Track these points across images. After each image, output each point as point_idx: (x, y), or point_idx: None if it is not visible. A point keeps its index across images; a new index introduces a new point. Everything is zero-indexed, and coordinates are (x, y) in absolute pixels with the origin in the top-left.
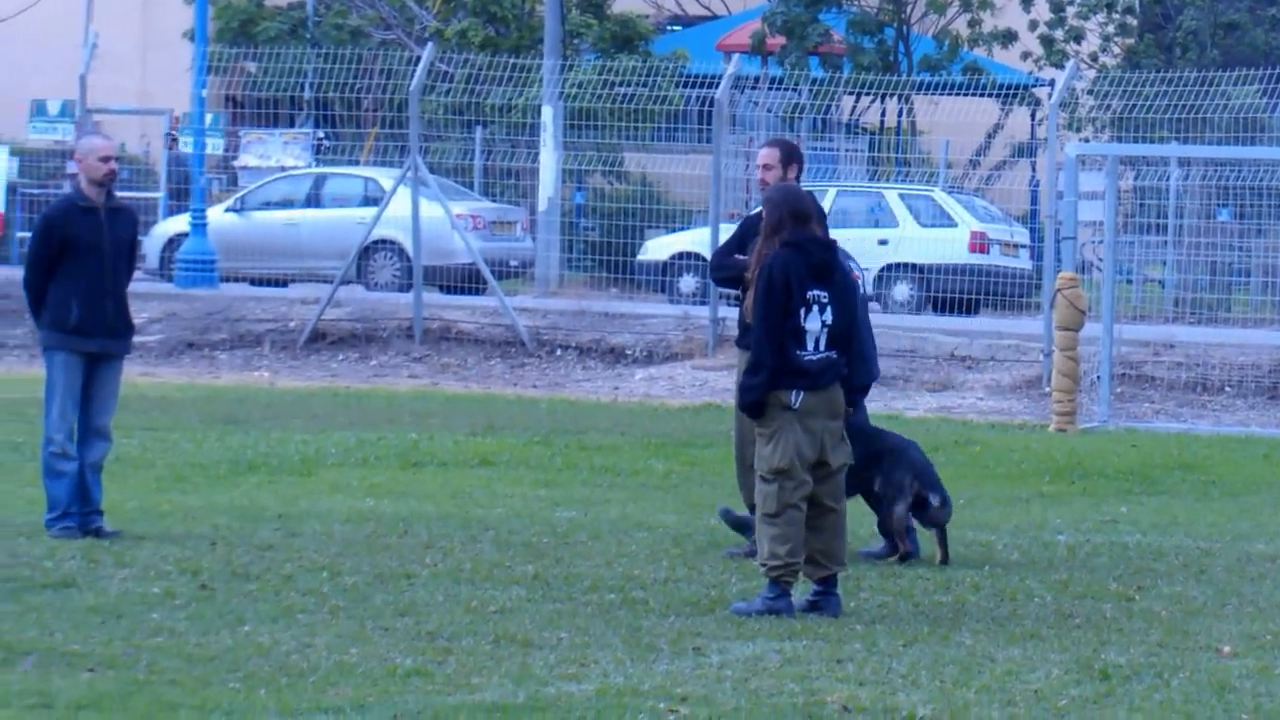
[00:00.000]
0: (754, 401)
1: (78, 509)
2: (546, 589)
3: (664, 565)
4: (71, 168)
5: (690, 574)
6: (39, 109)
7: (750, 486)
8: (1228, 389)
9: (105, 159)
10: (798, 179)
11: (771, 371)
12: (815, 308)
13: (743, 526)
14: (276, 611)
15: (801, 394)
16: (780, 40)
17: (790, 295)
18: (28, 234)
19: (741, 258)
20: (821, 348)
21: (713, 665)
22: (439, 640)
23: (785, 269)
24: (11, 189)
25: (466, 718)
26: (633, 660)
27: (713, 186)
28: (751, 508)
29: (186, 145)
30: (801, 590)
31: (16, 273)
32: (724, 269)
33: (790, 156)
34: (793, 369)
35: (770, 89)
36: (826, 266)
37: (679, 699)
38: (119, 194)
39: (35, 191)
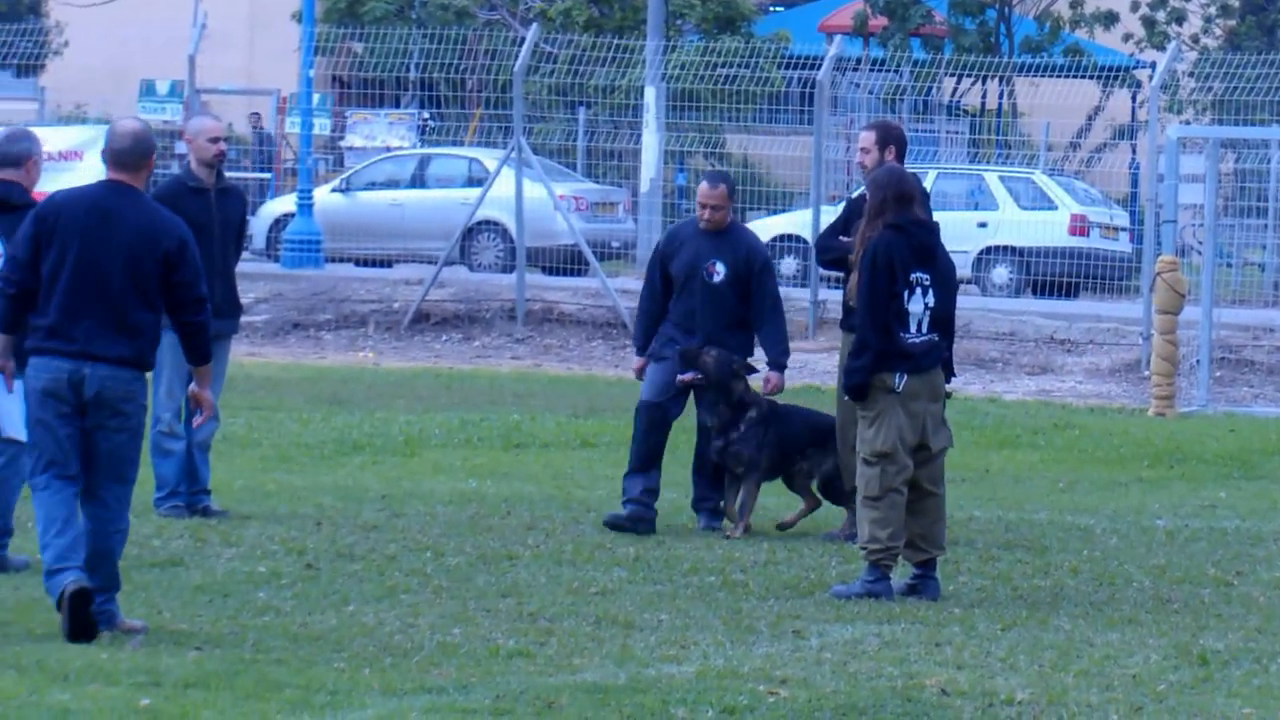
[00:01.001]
0: (859, 384)
1: (185, 488)
2: (647, 571)
3: (764, 548)
4: (180, 148)
5: (790, 557)
6: (148, 89)
7: (851, 469)
8: None
9: (214, 140)
10: (897, 161)
11: (876, 354)
12: (918, 290)
13: (621, 526)
14: (381, 591)
15: (905, 377)
16: (882, 21)
17: (894, 278)
18: None
19: (846, 240)
20: (924, 330)
21: (812, 648)
22: (541, 621)
23: (889, 251)
24: None
25: (569, 698)
26: (732, 642)
27: (814, 168)
28: (851, 490)
29: (294, 125)
30: (900, 573)
31: None
32: (829, 251)
33: (887, 139)
34: (896, 351)
35: (871, 70)
36: (929, 249)
37: (778, 681)
38: (227, 174)
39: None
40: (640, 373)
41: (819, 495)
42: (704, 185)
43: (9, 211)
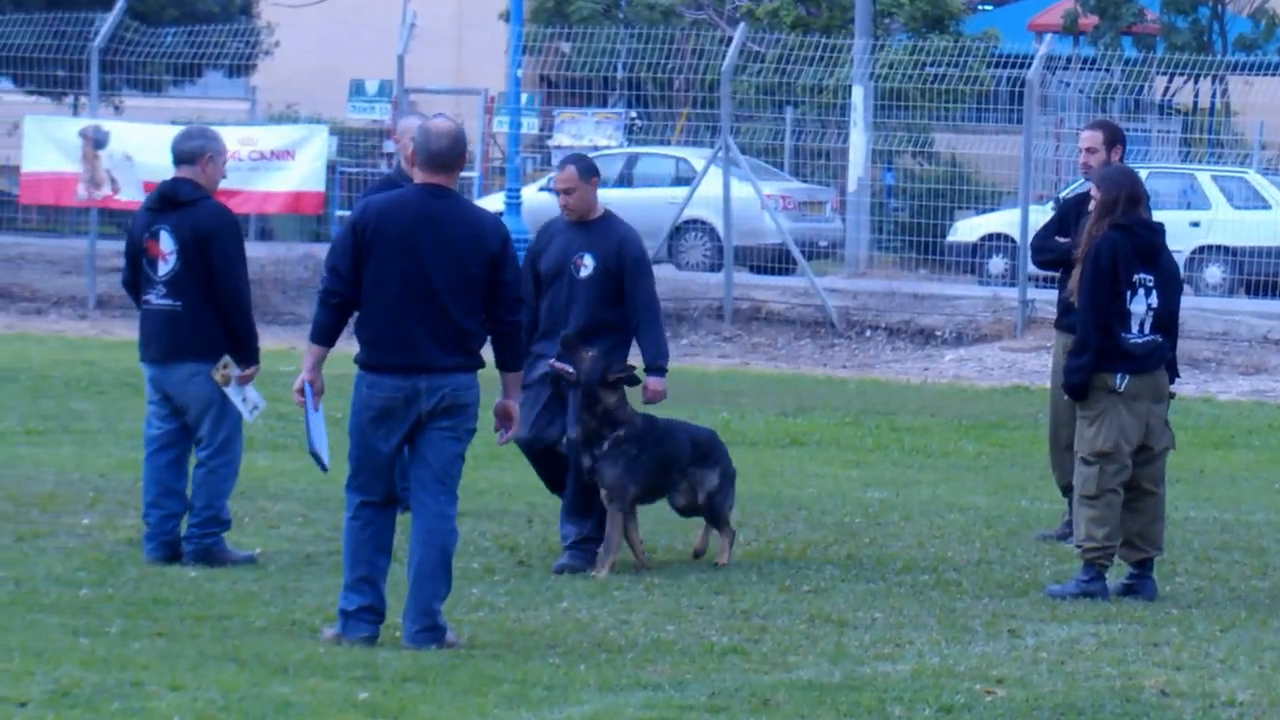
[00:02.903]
0: (1079, 383)
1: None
2: (859, 569)
3: (976, 547)
4: (388, 147)
5: (1003, 556)
6: (357, 88)
7: (1063, 467)
8: None
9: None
10: (1120, 160)
11: (1096, 353)
12: (1141, 291)
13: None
14: (593, 588)
15: (1127, 377)
16: (1093, 20)
17: (1117, 277)
18: (345, 212)
19: (1063, 240)
20: (1146, 331)
21: (1028, 647)
22: (754, 618)
23: (1114, 251)
24: (331, 167)
25: (785, 696)
26: (947, 641)
27: (1023, 167)
28: (1064, 489)
29: (502, 125)
30: (1116, 574)
31: None
32: (1047, 252)
33: (1114, 139)
34: (1118, 351)
35: (1082, 69)
36: (1153, 250)
37: (995, 681)
38: None
39: (353, 170)
40: None
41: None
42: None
43: (177, 208)
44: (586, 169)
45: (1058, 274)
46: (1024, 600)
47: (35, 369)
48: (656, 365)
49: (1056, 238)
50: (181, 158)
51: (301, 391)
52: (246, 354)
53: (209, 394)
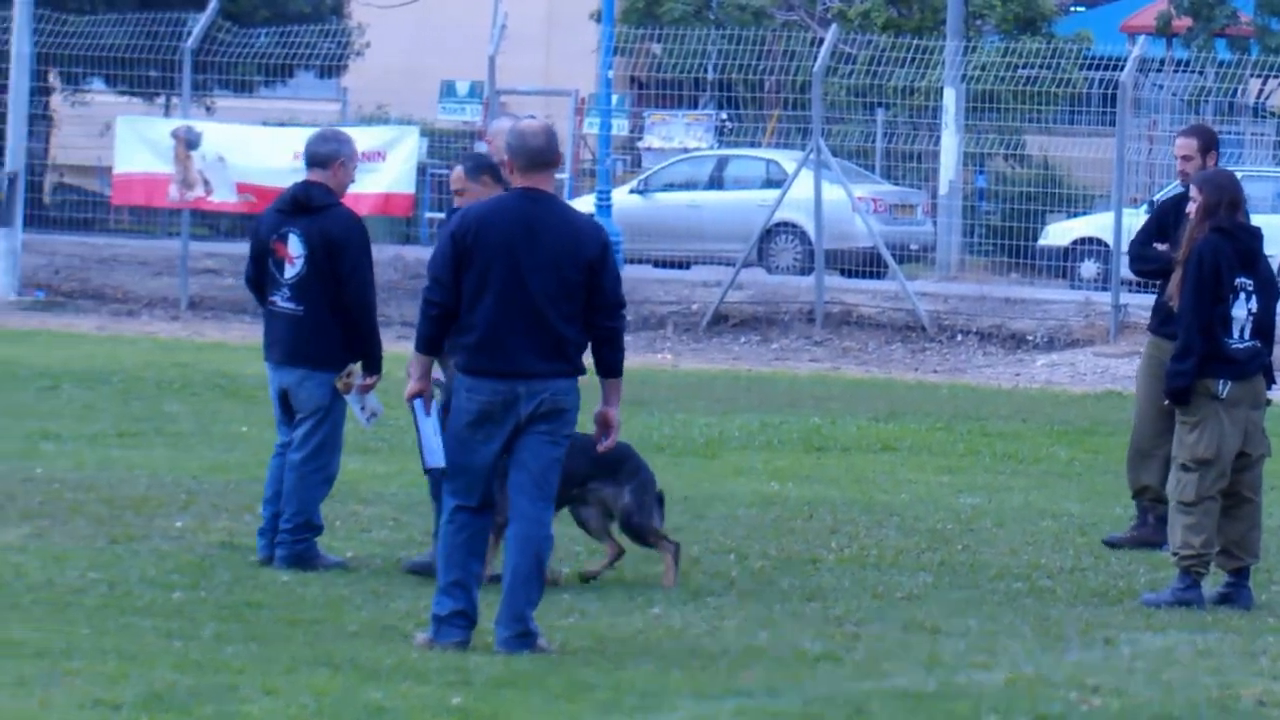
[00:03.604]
0: (1183, 388)
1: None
2: (953, 576)
3: (1070, 554)
4: (479, 148)
5: (1097, 563)
6: (448, 89)
7: (1136, 471)
8: None
9: None
10: (1215, 166)
11: (1200, 358)
12: (1242, 295)
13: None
14: (685, 594)
15: (1229, 383)
16: (1186, 21)
17: (1220, 282)
18: (436, 214)
19: (1161, 247)
20: (1246, 336)
21: (1124, 656)
22: (847, 625)
23: (1216, 255)
24: (421, 169)
25: (879, 704)
26: (1042, 649)
27: (1116, 170)
28: (1136, 491)
29: (592, 126)
30: (1212, 582)
31: (426, 252)
32: (1146, 260)
33: (1209, 144)
34: (1221, 357)
35: (1175, 71)
36: (1253, 254)
37: (1090, 689)
38: None
39: (443, 172)
40: None
41: (620, 538)
42: None
43: (309, 213)
44: (474, 168)
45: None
46: (1119, 608)
47: (127, 371)
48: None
49: (1155, 244)
50: (315, 161)
51: (413, 400)
52: (370, 363)
53: (320, 399)
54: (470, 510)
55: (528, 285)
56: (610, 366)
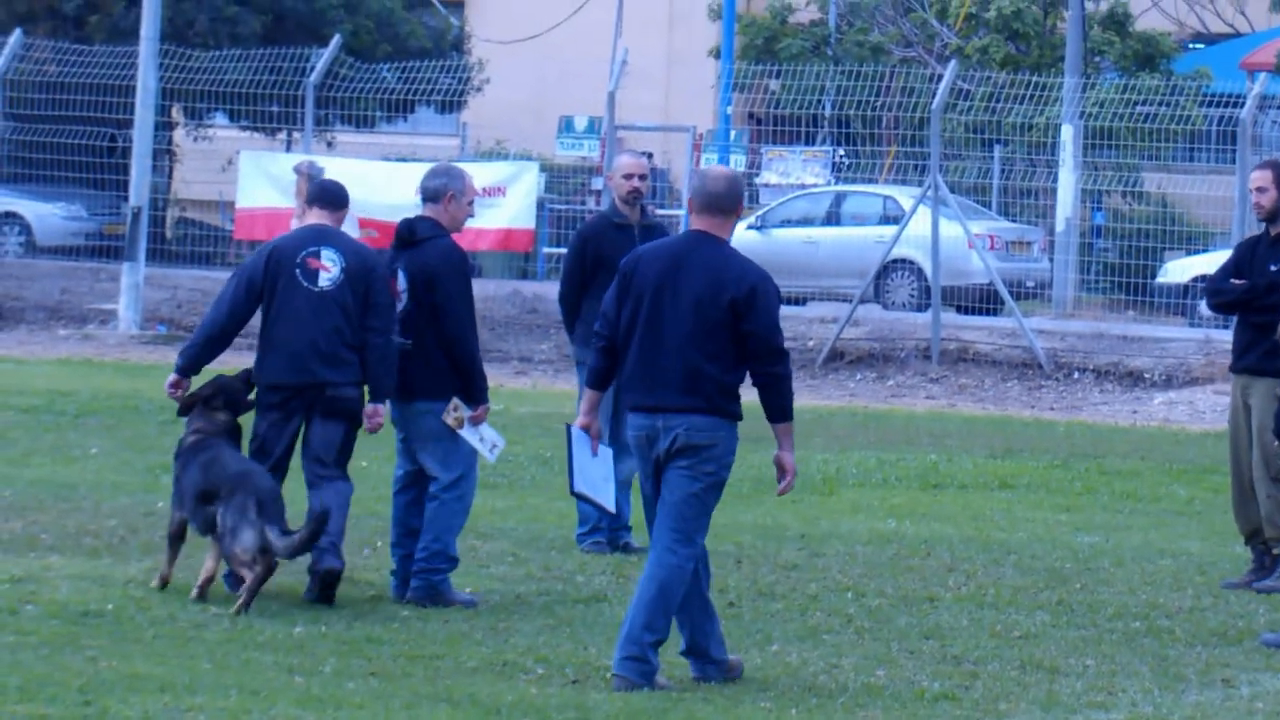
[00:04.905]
0: None
1: (607, 524)
2: (1070, 615)
3: (1189, 593)
4: (596, 183)
5: (1216, 603)
6: (566, 125)
7: (1246, 515)
8: None
9: (628, 176)
10: None
11: None
12: None
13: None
14: (803, 631)
15: None
16: None
17: None
18: (553, 249)
19: (1238, 282)
20: None
21: (1243, 697)
22: (965, 664)
23: None
24: (539, 204)
25: None
26: (1160, 689)
27: (1236, 208)
28: (1247, 536)
29: (709, 162)
30: None
31: (543, 288)
32: (1221, 294)
33: None
34: None
35: None
36: None
37: None
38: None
39: (560, 207)
40: None
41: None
42: None
43: (412, 246)
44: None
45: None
46: (1238, 649)
47: None
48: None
49: (1232, 280)
50: (426, 195)
51: (572, 427)
52: (473, 393)
53: (437, 432)
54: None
55: (669, 322)
56: (772, 411)
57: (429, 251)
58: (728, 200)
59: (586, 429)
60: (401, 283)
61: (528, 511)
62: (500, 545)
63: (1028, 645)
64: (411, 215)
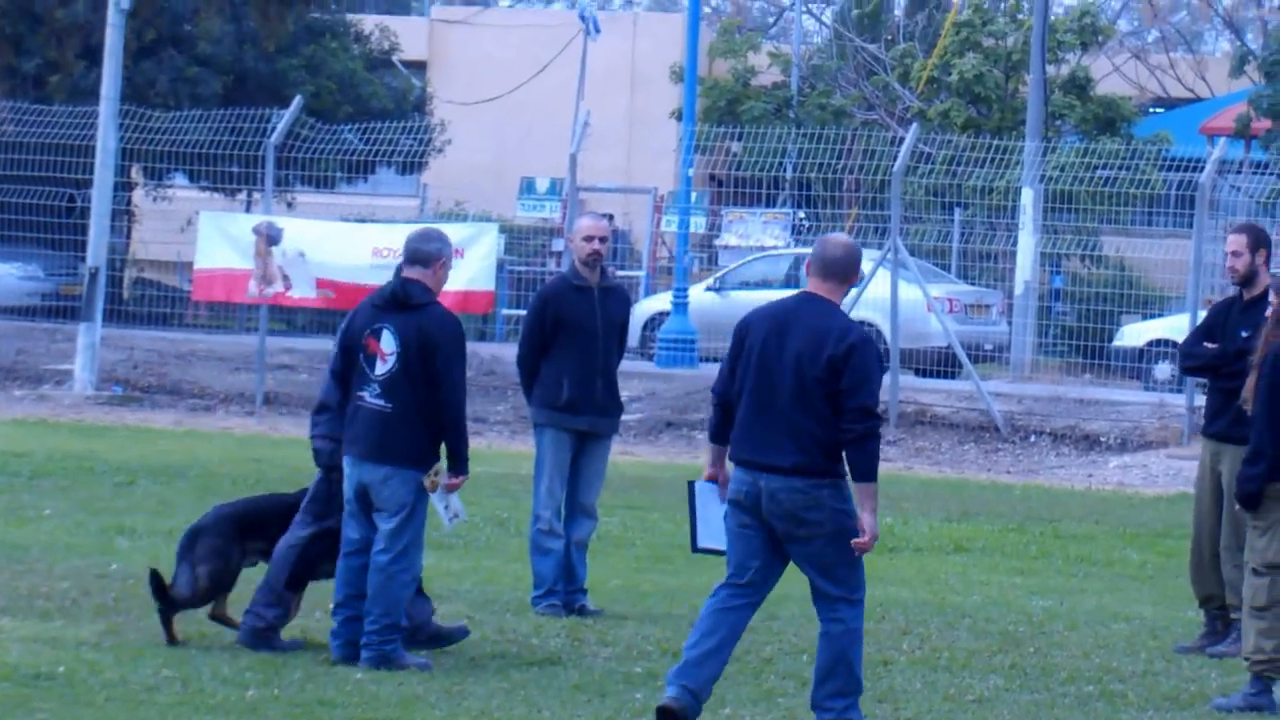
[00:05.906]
0: (1254, 492)
1: (562, 586)
2: (1024, 679)
3: (1142, 658)
4: (556, 245)
5: (1169, 667)
6: (528, 186)
7: (1203, 580)
8: None
9: (588, 238)
10: (1266, 264)
11: (1272, 462)
12: None
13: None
14: (757, 694)
15: None
16: (1266, 124)
17: None
18: (512, 311)
19: (1210, 346)
20: None
21: None
22: None
23: None
24: (499, 266)
25: None
26: None
27: (1191, 272)
28: (1202, 600)
29: (670, 224)
30: None
31: (501, 349)
32: (1194, 358)
33: (1259, 242)
34: None
35: (1252, 173)
36: None
37: None
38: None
39: (520, 269)
40: None
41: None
42: None
43: (405, 310)
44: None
45: (1207, 378)
46: (1190, 713)
47: (203, 466)
48: None
49: (1205, 344)
50: (416, 258)
51: (694, 483)
52: (458, 462)
53: (403, 498)
54: (732, 586)
55: (773, 380)
56: (855, 471)
57: (428, 319)
58: (842, 266)
59: (713, 479)
60: (390, 345)
61: (483, 574)
62: (455, 607)
63: (981, 709)
64: (395, 278)
